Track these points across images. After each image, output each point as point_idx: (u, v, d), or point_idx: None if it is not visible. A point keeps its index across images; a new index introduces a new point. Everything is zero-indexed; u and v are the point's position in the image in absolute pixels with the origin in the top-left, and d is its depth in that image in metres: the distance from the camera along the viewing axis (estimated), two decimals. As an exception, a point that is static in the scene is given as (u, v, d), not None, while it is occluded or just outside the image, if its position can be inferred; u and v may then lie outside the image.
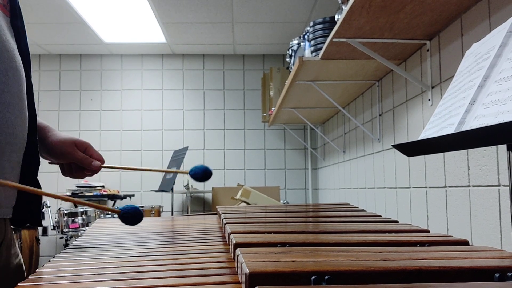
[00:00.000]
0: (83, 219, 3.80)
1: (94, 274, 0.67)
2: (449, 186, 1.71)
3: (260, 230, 0.91)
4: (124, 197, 4.45)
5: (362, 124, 2.85)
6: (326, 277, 0.51)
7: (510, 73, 0.65)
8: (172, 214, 3.96)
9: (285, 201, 4.70)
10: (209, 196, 4.74)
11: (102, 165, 1.04)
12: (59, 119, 4.79)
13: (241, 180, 4.76)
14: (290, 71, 2.70)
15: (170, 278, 0.63)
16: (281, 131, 4.86)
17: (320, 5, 3.57)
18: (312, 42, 2.29)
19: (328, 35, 1.95)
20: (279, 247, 0.71)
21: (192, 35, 4.26)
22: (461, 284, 0.51)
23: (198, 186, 4.67)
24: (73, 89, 4.84)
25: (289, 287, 0.49)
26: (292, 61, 2.79)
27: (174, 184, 3.53)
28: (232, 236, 0.79)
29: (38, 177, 0.98)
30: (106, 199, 4.42)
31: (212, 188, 4.20)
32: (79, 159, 1.02)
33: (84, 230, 2.33)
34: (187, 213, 4.56)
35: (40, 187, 0.97)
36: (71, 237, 3.82)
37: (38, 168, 0.98)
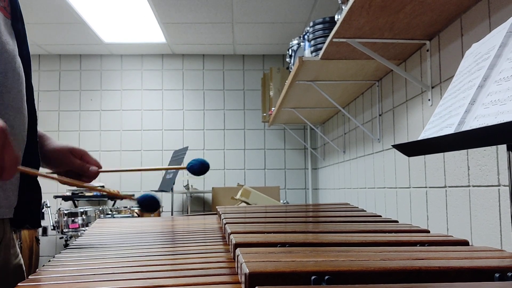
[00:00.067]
0: (83, 219, 3.80)
1: (94, 274, 0.67)
2: (449, 186, 1.71)
3: (260, 230, 0.91)
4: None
5: (362, 124, 2.85)
6: (326, 277, 0.51)
7: (510, 73, 0.65)
8: (172, 214, 3.96)
9: (285, 201, 4.70)
10: (209, 196, 4.74)
11: (99, 170, 1.05)
12: (59, 119, 4.79)
13: (241, 180, 4.76)
14: (290, 71, 2.70)
15: (170, 278, 0.63)
16: (281, 131, 4.86)
17: (320, 5, 3.57)
18: (312, 42, 2.29)
19: (328, 35, 1.95)
20: (279, 247, 0.71)
21: (192, 35, 4.26)
22: (461, 284, 0.51)
23: (198, 186, 4.67)
24: (73, 89, 4.84)
25: (289, 287, 0.49)
26: (292, 61, 2.79)
27: (174, 184, 3.54)
28: (232, 236, 0.79)
29: (37, 177, 0.98)
30: (106, 199, 4.42)
31: (212, 188, 4.20)
32: (76, 167, 1.03)
33: (84, 230, 2.32)
34: (187, 213, 4.56)
35: (40, 187, 0.98)
36: (71, 237, 3.81)
37: (38, 168, 0.98)
